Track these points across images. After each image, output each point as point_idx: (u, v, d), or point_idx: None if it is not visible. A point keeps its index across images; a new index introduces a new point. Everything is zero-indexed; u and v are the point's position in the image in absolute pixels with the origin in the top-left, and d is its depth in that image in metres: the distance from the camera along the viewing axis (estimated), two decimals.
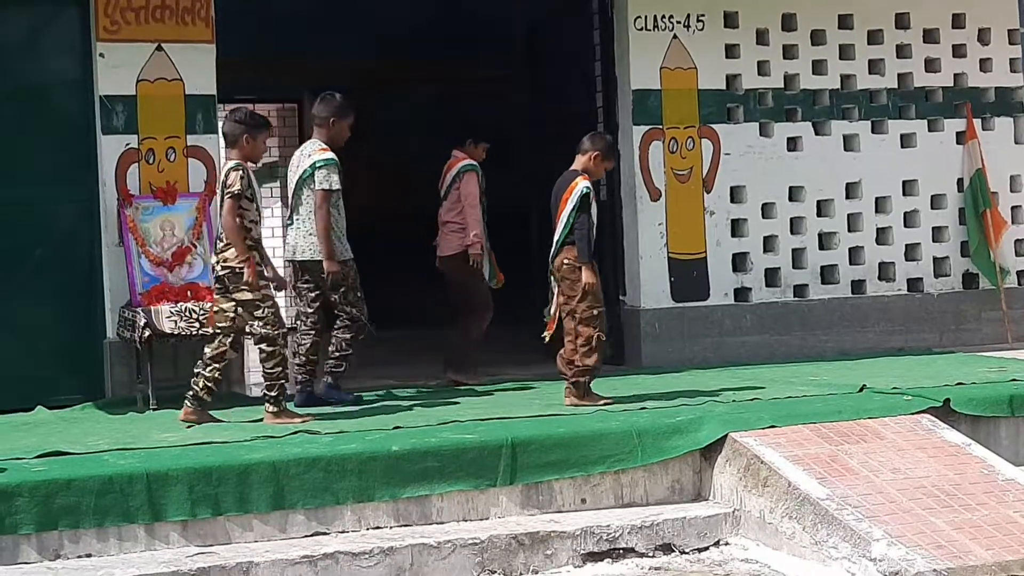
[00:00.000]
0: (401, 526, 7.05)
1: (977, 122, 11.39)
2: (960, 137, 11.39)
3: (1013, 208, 11.54)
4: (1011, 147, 11.58)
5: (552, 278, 8.44)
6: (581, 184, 8.31)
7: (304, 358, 8.68)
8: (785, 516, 7.07)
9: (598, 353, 8.33)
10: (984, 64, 11.51)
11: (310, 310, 8.73)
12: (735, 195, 10.71)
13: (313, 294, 8.70)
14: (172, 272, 8.96)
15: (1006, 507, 7.01)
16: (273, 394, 8.01)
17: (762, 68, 10.86)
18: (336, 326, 8.71)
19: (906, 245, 11.27)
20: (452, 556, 6.79)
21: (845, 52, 11.12)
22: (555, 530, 7.01)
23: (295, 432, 7.61)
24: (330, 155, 8.59)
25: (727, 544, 7.27)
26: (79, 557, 6.59)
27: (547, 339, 8.45)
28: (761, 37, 10.85)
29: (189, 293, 8.84)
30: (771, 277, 10.88)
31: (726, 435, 7.55)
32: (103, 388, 9.14)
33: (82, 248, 9.21)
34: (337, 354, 8.70)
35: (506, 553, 6.87)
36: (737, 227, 10.72)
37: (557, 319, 8.39)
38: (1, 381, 8.90)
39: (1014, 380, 8.77)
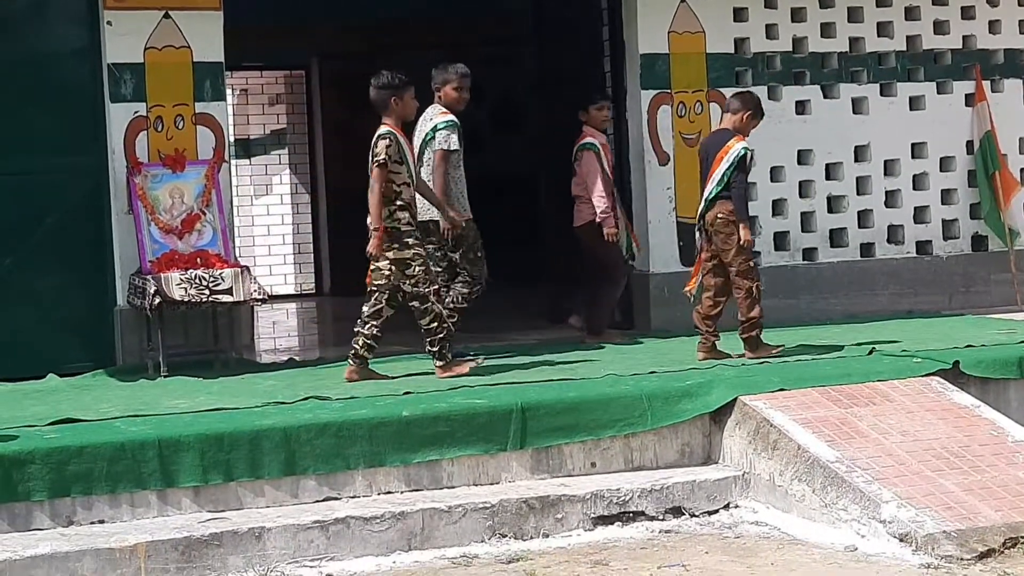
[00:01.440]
0: (412, 491, 7.09)
1: (986, 84, 11.35)
2: (969, 99, 11.35)
3: (1022, 170, 11.50)
4: (1020, 109, 11.53)
5: (701, 232, 8.64)
6: (738, 145, 8.54)
7: (447, 311, 8.81)
8: (795, 479, 7.09)
9: (759, 304, 8.54)
10: (993, 26, 11.46)
11: (439, 268, 8.86)
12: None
13: (440, 253, 8.87)
14: (182, 239, 8.97)
15: (1015, 468, 7.02)
16: (435, 349, 8.21)
17: (770, 31, 10.82)
18: (456, 280, 8.94)
19: (915, 208, 11.25)
20: (463, 520, 6.82)
21: (853, 15, 11.07)
22: (565, 494, 7.04)
23: (306, 397, 7.64)
24: (450, 117, 8.86)
25: (737, 507, 7.29)
26: (92, 523, 6.64)
27: (690, 294, 8.70)
28: (769, 0, 10.80)
29: (199, 260, 8.85)
30: (780, 240, 10.87)
31: (735, 398, 7.57)
32: (114, 356, 9.17)
33: (92, 216, 9.22)
34: (451, 306, 8.83)
35: (516, 517, 6.91)
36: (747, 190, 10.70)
37: (699, 273, 8.64)
38: (12, 349, 8.93)
39: (1023, 342, 8.78)
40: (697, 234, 8.73)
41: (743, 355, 8.57)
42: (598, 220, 9.67)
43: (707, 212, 8.58)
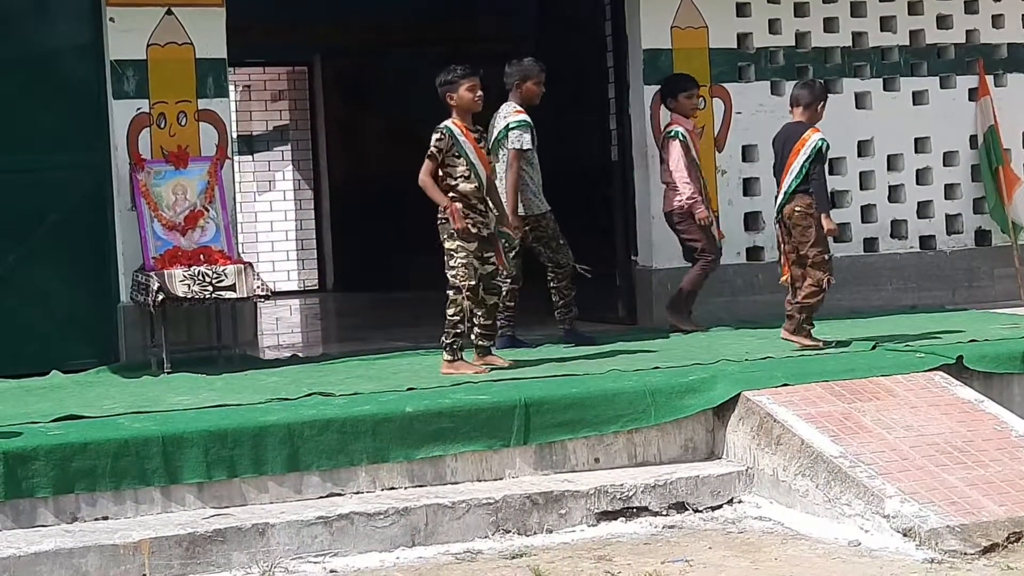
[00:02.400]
0: (416, 487, 7.09)
1: (990, 78, 11.34)
2: (972, 94, 11.34)
3: None
4: None
5: (779, 225, 8.73)
6: (815, 137, 8.60)
7: (502, 305, 8.92)
8: (798, 474, 7.09)
9: (823, 295, 8.63)
10: (996, 20, 11.45)
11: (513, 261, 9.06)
12: (747, 154, 10.69)
13: (513, 251, 9.05)
14: (185, 236, 8.97)
15: (1019, 463, 7.02)
16: (448, 341, 8.21)
17: (773, 26, 10.82)
18: (549, 279, 9.30)
19: (918, 202, 11.25)
20: (467, 516, 6.82)
21: (857, 9, 11.07)
22: (569, 489, 7.04)
23: (310, 394, 7.65)
24: (523, 117, 9.12)
25: (740, 502, 7.29)
26: (96, 520, 6.64)
27: (786, 284, 8.75)
28: None
29: (202, 257, 8.84)
30: None
31: (739, 394, 7.57)
32: (117, 352, 9.17)
33: (95, 213, 9.22)
34: (562, 303, 9.28)
35: (520, 513, 6.91)
36: (749, 186, 10.71)
37: (788, 266, 8.72)
38: (16, 346, 8.94)
39: None
40: (776, 227, 8.82)
41: (832, 342, 8.75)
42: (686, 205, 9.79)
43: (785, 205, 8.67)
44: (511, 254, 8.89)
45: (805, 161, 8.56)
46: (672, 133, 9.89)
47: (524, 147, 9.02)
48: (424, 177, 8.22)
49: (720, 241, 10.04)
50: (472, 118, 8.38)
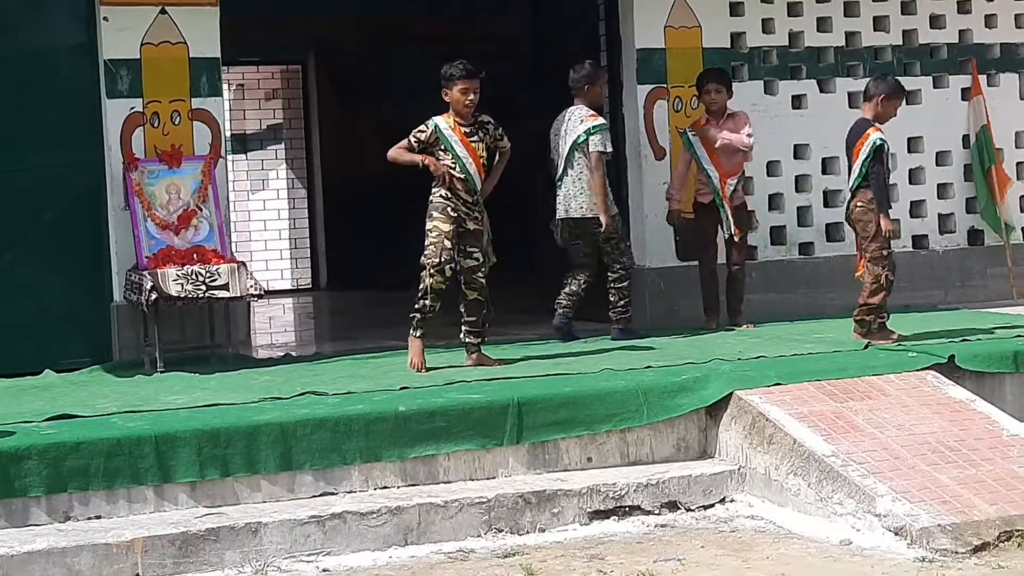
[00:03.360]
0: (408, 486, 7.10)
1: (982, 78, 11.36)
2: (965, 93, 11.37)
3: (1018, 164, 11.52)
4: (1016, 103, 11.55)
5: (848, 223, 9.00)
6: (873, 136, 8.73)
7: (573, 298, 9.48)
8: (790, 473, 7.11)
9: (886, 291, 8.81)
10: (989, 20, 11.47)
11: (583, 261, 9.54)
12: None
13: (586, 249, 9.51)
14: (178, 235, 8.98)
15: (1010, 462, 7.04)
16: (414, 319, 8.33)
17: (766, 26, 10.83)
18: (610, 278, 9.56)
19: (911, 202, 11.27)
20: (459, 515, 6.83)
21: (850, 9, 11.08)
22: (561, 488, 7.05)
23: (303, 393, 7.65)
24: (601, 120, 9.50)
25: (732, 501, 7.30)
26: (89, 519, 6.64)
27: (861, 279, 8.92)
28: None
29: (195, 256, 8.85)
30: (776, 235, 10.89)
31: (731, 393, 7.58)
32: (110, 351, 9.17)
33: (88, 212, 9.22)
34: (622, 303, 9.57)
35: (513, 512, 6.92)
36: (744, 185, 10.70)
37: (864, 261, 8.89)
38: (9, 345, 8.93)
39: (1019, 336, 8.80)
40: (846, 224, 9.09)
41: (901, 337, 8.86)
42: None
43: (849, 203, 8.86)
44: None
45: (864, 160, 8.71)
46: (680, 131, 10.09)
47: (607, 150, 9.39)
48: (391, 152, 8.38)
49: (736, 236, 9.97)
50: (473, 115, 8.42)
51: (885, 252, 8.78)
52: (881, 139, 8.72)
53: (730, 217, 9.83)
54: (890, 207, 8.88)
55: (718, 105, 9.93)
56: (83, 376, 8.74)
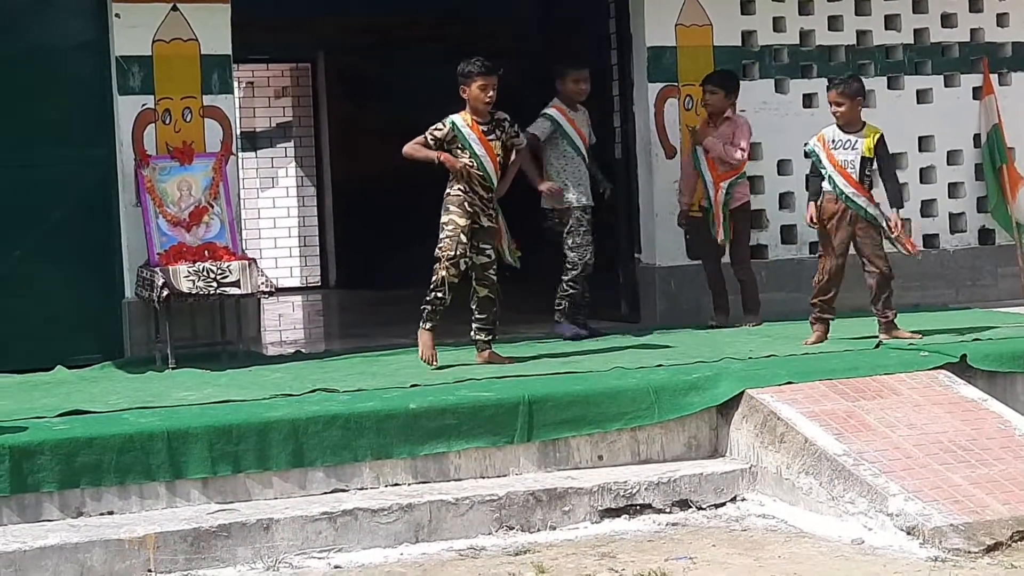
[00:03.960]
0: (419, 483, 7.10)
1: (994, 77, 11.34)
2: (976, 92, 11.35)
3: None
4: None
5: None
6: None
7: (565, 298, 9.58)
8: (802, 472, 7.10)
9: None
10: (1001, 19, 11.45)
11: (566, 255, 9.63)
12: (751, 152, 10.68)
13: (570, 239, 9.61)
14: (190, 232, 8.99)
15: (1022, 462, 7.02)
16: (422, 307, 8.34)
17: (778, 24, 10.82)
18: (564, 268, 9.61)
19: (922, 201, 11.25)
20: (470, 513, 6.83)
21: (861, 7, 11.07)
22: (572, 486, 7.05)
23: (314, 390, 7.65)
24: (546, 111, 9.72)
25: (744, 500, 7.30)
26: (101, 514, 6.65)
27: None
28: None
29: (206, 253, 8.86)
30: (787, 234, 10.88)
31: (743, 392, 7.58)
32: (122, 348, 9.19)
33: (100, 209, 9.24)
34: (560, 296, 9.58)
35: (524, 509, 6.92)
36: (753, 184, 10.69)
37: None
38: (21, 341, 8.95)
39: None
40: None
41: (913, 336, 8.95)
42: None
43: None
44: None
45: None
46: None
47: (531, 132, 9.42)
48: (407, 148, 8.38)
49: (722, 240, 10.00)
50: (490, 112, 8.42)
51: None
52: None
53: (719, 222, 9.85)
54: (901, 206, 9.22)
55: (713, 107, 9.97)
56: (95, 372, 8.76)
